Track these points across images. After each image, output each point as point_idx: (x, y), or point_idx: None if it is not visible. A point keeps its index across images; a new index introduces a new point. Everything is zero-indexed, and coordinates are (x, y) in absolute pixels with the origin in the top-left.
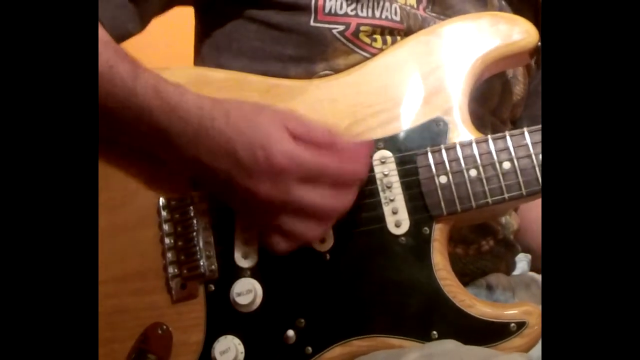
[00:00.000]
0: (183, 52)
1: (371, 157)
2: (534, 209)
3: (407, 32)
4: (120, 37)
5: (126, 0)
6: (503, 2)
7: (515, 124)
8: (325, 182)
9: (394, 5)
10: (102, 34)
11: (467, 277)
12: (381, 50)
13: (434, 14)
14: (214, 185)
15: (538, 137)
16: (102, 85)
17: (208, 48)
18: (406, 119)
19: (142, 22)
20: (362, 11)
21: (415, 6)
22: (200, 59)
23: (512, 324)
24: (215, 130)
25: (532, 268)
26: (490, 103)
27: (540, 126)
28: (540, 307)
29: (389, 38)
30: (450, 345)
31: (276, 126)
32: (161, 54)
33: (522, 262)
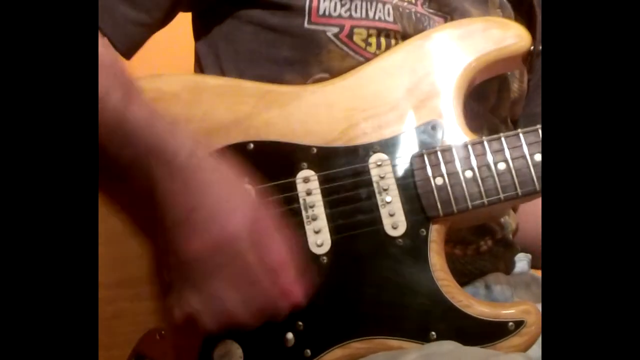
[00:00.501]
0: (183, 55)
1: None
2: (532, 209)
3: (402, 33)
4: (130, 50)
5: (133, 14)
6: (504, 0)
7: (516, 123)
8: (246, 289)
9: (387, 6)
10: (106, 57)
11: (465, 277)
12: (375, 54)
13: (431, 10)
14: (161, 223)
15: (533, 138)
16: None
17: (207, 51)
18: (402, 123)
19: (150, 33)
20: (355, 12)
21: (413, 2)
22: (199, 62)
23: (510, 323)
24: (197, 176)
25: (532, 268)
26: (488, 101)
27: (535, 127)
28: (538, 305)
29: (383, 41)
30: (450, 345)
31: (245, 213)
32: (161, 57)
33: (522, 261)
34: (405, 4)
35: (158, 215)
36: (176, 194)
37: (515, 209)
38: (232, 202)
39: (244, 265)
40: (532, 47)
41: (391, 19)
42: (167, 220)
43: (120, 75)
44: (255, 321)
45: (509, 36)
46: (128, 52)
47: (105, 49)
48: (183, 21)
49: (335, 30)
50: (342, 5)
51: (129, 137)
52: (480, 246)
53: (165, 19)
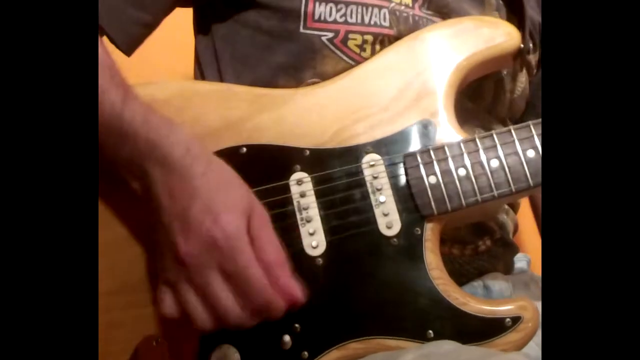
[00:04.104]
0: (183, 54)
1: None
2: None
3: (397, 38)
4: (132, 48)
5: (139, 15)
6: (500, 1)
7: (518, 122)
8: (242, 287)
9: (382, 11)
10: (104, 57)
11: (464, 277)
12: None
13: (429, 12)
14: (154, 225)
15: (524, 134)
16: None
17: (206, 50)
18: (393, 123)
19: (151, 31)
20: (351, 17)
21: (410, 5)
22: (199, 60)
23: (507, 319)
24: (189, 175)
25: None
26: (484, 101)
27: (526, 123)
28: (535, 302)
29: (378, 47)
30: (448, 345)
31: (241, 208)
32: (161, 56)
33: (522, 262)
34: (403, 7)
35: (155, 213)
36: (172, 190)
37: (516, 209)
38: (228, 198)
39: (240, 261)
40: (522, 45)
41: (387, 23)
42: (164, 217)
43: (117, 76)
44: (251, 321)
45: (498, 34)
46: (129, 50)
47: (103, 50)
48: (183, 21)
49: (330, 35)
50: (337, 10)
51: (125, 135)
52: (478, 246)
53: (165, 15)
